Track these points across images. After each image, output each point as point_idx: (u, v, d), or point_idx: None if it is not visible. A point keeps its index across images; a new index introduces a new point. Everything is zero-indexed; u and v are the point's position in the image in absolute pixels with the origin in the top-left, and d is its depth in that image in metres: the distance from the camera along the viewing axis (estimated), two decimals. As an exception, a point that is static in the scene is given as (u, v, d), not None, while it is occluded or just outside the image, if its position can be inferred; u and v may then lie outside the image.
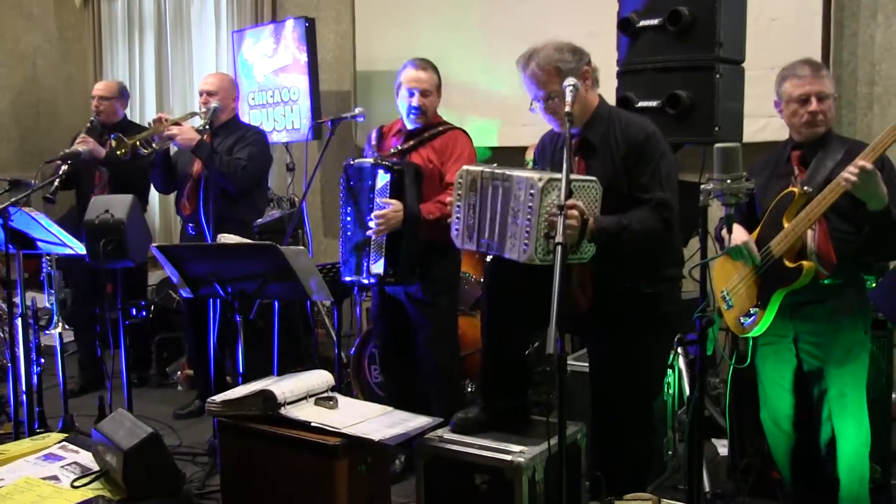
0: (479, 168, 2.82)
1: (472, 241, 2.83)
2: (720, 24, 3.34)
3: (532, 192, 2.54)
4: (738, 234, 2.84)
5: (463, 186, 2.82)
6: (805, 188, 2.76)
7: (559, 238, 2.27)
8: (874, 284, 3.16)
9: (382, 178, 3.47)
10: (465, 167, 2.87)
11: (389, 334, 3.81)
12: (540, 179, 2.53)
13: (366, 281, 3.57)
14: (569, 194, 2.50)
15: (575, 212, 2.52)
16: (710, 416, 3.80)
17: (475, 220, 2.79)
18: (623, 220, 2.67)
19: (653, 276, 2.82)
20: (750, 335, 2.92)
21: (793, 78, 2.84)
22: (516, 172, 2.66)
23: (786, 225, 2.77)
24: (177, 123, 4.28)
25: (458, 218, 2.85)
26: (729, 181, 2.32)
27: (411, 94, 3.58)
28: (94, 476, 2.90)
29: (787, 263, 2.77)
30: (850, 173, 2.55)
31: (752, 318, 2.89)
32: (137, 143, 4.29)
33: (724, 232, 2.81)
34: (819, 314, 2.83)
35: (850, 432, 2.85)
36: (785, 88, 2.86)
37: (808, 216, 2.70)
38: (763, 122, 4.31)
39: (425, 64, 3.65)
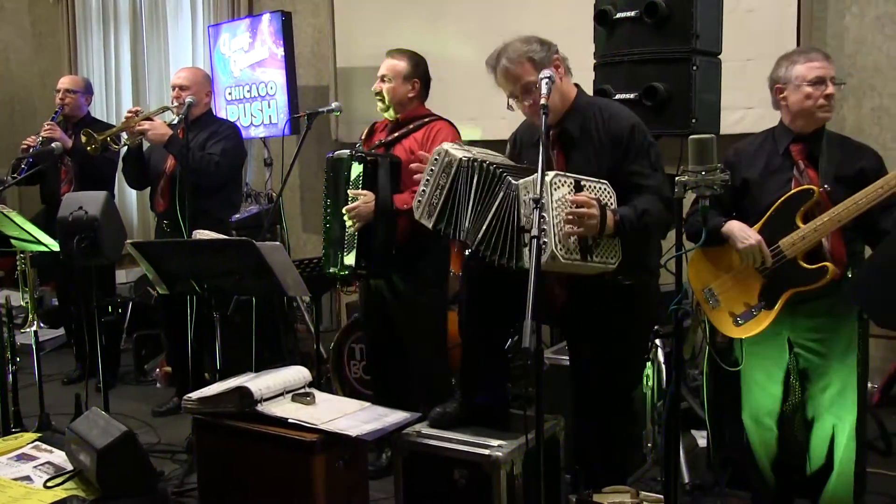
0: (461, 154, 2.74)
1: (430, 220, 2.81)
2: (696, 16, 3.35)
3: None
4: (747, 233, 2.77)
5: (438, 164, 2.78)
6: (826, 187, 2.71)
7: (534, 232, 2.24)
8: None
9: (356, 169, 3.44)
10: (446, 147, 2.80)
11: (378, 331, 3.78)
12: (546, 175, 2.41)
13: (342, 273, 3.52)
14: (579, 191, 2.49)
15: (593, 202, 2.47)
16: (689, 408, 3.81)
17: (439, 202, 2.77)
18: (637, 205, 2.62)
19: (632, 268, 2.79)
20: (746, 335, 2.86)
21: (805, 61, 2.78)
22: (521, 181, 2.54)
23: (800, 224, 2.71)
24: (148, 118, 4.24)
25: (423, 190, 2.82)
26: (703, 173, 2.31)
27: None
28: (67, 476, 2.88)
29: (805, 265, 2.72)
30: None
31: (751, 318, 2.82)
32: (108, 139, 4.25)
33: (730, 229, 2.76)
34: (821, 309, 2.79)
35: (848, 424, 2.84)
36: (797, 71, 2.78)
37: (838, 217, 2.64)
38: (740, 114, 4.32)
39: (394, 52, 3.69)
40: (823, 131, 2.84)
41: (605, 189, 2.58)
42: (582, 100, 2.84)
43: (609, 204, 2.57)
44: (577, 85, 2.87)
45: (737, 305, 2.86)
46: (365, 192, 3.40)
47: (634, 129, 2.73)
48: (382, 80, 3.61)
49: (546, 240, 2.42)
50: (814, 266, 2.71)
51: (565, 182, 2.49)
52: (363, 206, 3.39)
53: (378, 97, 3.63)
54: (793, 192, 2.77)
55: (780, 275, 2.76)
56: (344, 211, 3.42)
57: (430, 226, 2.83)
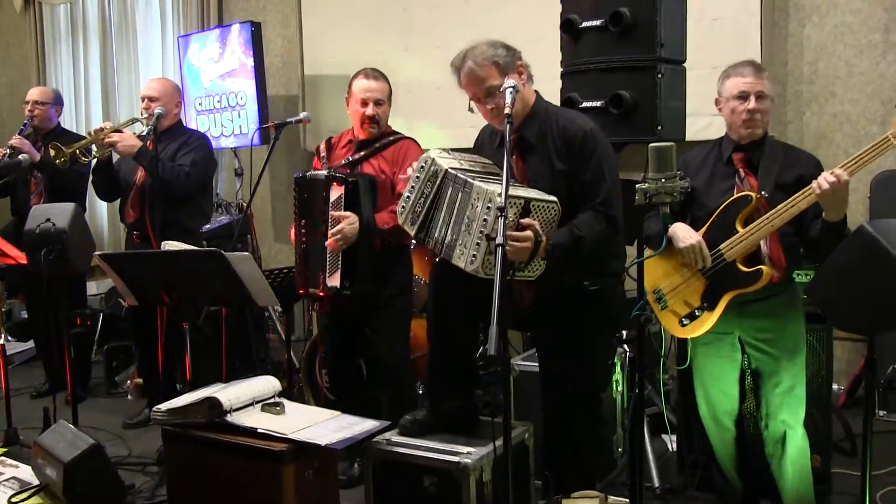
0: (447, 164, 2.74)
1: (412, 227, 2.82)
2: (661, 25, 3.37)
3: (489, 206, 2.49)
4: (689, 234, 2.85)
5: (424, 172, 2.78)
6: (764, 192, 2.79)
7: (499, 240, 2.26)
8: (804, 279, 3.23)
9: (336, 191, 3.42)
10: (432, 155, 2.80)
11: (339, 341, 3.78)
12: (500, 195, 2.40)
13: (321, 293, 3.50)
14: (526, 213, 2.50)
15: (529, 233, 2.52)
16: (659, 412, 3.85)
17: (423, 210, 2.77)
18: (576, 231, 2.66)
19: (596, 272, 2.83)
20: (690, 336, 2.92)
21: (735, 76, 2.89)
22: (478, 182, 2.60)
23: (739, 229, 2.79)
24: (117, 130, 4.21)
25: (408, 196, 2.82)
26: (663, 180, 2.35)
27: (365, 105, 3.57)
28: (33, 490, 2.85)
29: (742, 268, 2.79)
30: (826, 181, 2.56)
31: (695, 319, 2.90)
32: (77, 151, 4.22)
33: (674, 230, 2.83)
34: (765, 310, 2.87)
35: (799, 420, 2.90)
36: (727, 86, 2.90)
37: (771, 222, 2.72)
38: (706, 121, 4.37)
39: (377, 74, 3.65)
40: (765, 140, 2.92)
41: (552, 208, 2.62)
42: (540, 106, 2.87)
43: (551, 227, 2.61)
44: (536, 91, 2.90)
45: (682, 307, 2.93)
46: (348, 213, 3.39)
47: (587, 137, 2.75)
48: (377, 105, 3.58)
49: (475, 253, 2.50)
50: (751, 269, 2.78)
51: (514, 203, 2.51)
52: (348, 228, 3.37)
53: (370, 121, 3.57)
54: (733, 198, 2.84)
55: (720, 277, 2.83)
56: (330, 234, 3.38)
57: (412, 233, 2.84)
